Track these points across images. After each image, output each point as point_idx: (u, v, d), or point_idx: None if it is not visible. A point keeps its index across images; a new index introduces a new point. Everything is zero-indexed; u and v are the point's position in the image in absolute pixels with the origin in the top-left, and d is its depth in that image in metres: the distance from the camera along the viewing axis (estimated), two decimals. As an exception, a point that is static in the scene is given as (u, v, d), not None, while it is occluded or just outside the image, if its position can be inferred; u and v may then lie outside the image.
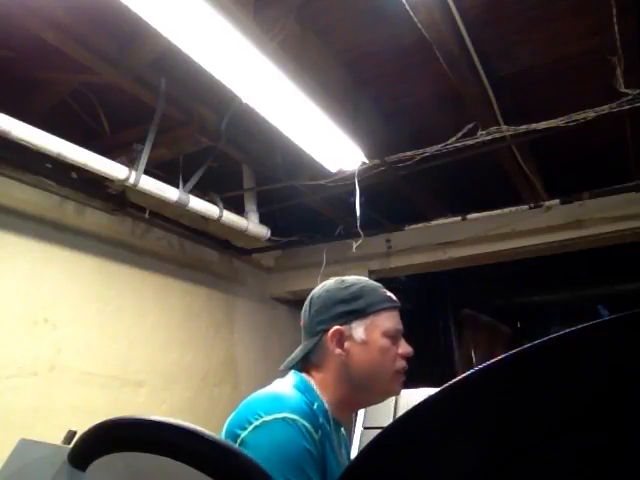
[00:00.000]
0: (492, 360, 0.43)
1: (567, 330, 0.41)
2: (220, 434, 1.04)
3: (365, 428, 2.11)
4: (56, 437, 0.82)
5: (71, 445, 0.67)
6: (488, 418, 0.44)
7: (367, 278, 1.24)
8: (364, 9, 2.05)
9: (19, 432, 0.84)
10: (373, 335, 1.13)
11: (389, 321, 1.16)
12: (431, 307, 5.16)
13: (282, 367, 1.20)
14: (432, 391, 0.45)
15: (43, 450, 0.73)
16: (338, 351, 1.13)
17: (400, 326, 1.18)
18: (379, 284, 1.22)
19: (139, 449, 0.59)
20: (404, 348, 1.17)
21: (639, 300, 4.71)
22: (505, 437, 0.43)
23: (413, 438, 0.46)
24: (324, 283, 1.23)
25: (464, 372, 0.44)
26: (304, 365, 1.18)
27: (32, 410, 2.25)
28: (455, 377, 0.44)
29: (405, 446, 0.46)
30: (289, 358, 1.20)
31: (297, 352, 1.19)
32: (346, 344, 1.13)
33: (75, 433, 0.75)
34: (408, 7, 1.76)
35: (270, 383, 1.16)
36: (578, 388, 0.42)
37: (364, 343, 1.13)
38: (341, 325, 1.14)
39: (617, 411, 0.41)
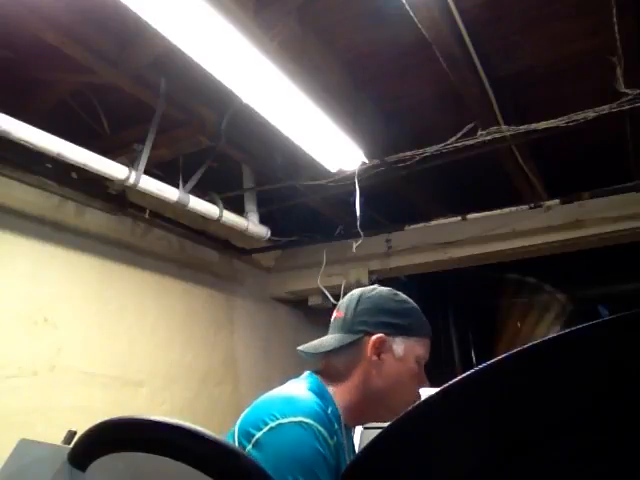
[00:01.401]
0: (492, 360, 0.43)
1: (567, 330, 0.41)
2: (228, 432, 1.04)
3: (365, 428, 2.11)
4: (56, 437, 0.82)
5: (71, 445, 0.67)
6: (488, 418, 0.44)
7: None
8: (364, 9, 2.05)
9: (19, 432, 0.84)
10: (409, 356, 1.13)
11: (423, 348, 1.16)
12: (431, 307, 5.15)
13: (304, 348, 1.17)
14: (432, 391, 0.45)
15: (43, 450, 0.73)
16: (374, 358, 1.12)
17: (428, 357, 1.17)
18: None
19: (139, 449, 0.59)
20: (423, 380, 1.16)
21: (639, 300, 4.71)
22: (505, 437, 0.43)
23: (413, 438, 0.46)
24: (375, 286, 1.22)
25: (464, 372, 0.44)
26: (322, 367, 1.16)
27: (32, 410, 2.25)
28: (455, 377, 0.44)
29: (405, 446, 0.46)
30: (315, 343, 1.17)
31: (328, 341, 1.15)
32: (383, 354, 1.12)
33: (75, 433, 0.75)
34: (408, 7, 1.76)
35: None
36: (578, 388, 0.42)
37: (400, 360, 1.12)
38: (386, 334, 1.13)
39: (617, 411, 0.41)
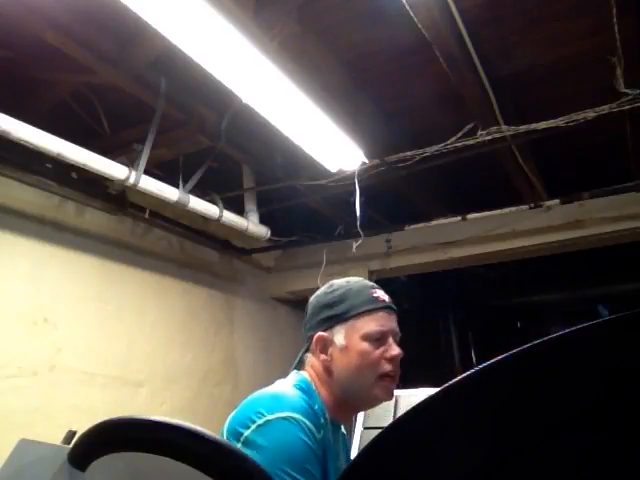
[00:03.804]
0: (492, 360, 0.43)
1: (567, 330, 0.41)
2: (221, 432, 1.04)
3: (365, 428, 2.11)
4: (56, 437, 0.82)
5: (71, 445, 0.67)
6: (488, 418, 0.44)
7: (360, 278, 1.23)
8: (364, 9, 2.04)
9: (19, 432, 0.84)
10: (352, 339, 1.12)
11: (370, 324, 1.12)
12: (431, 307, 5.15)
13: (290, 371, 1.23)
14: (432, 391, 0.45)
15: (43, 450, 0.73)
16: (322, 357, 1.14)
17: (386, 328, 1.13)
18: (371, 284, 1.20)
19: (139, 449, 0.59)
20: (390, 351, 1.12)
21: (639, 300, 4.71)
22: (505, 437, 0.43)
23: (413, 438, 0.46)
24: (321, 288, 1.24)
25: (464, 372, 0.44)
26: (307, 366, 1.19)
27: (32, 410, 2.25)
28: (455, 377, 0.44)
29: (405, 446, 0.46)
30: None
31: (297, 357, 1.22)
32: (330, 349, 1.14)
33: (75, 433, 0.75)
34: (408, 7, 1.76)
35: (271, 383, 1.16)
36: (578, 388, 0.42)
37: (344, 348, 1.12)
38: (324, 331, 1.15)
39: (617, 411, 0.41)
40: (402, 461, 0.45)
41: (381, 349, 1.12)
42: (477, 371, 0.43)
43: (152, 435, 0.57)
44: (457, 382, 0.43)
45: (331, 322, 1.15)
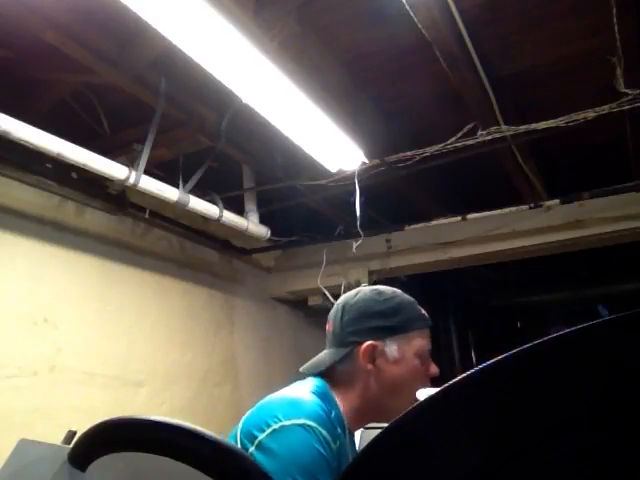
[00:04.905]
0: (492, 360, 0.43)
1: (567, 330, 0.41)
2: (230, 433, 1.03)
3: (365, 428, 2.11)
4: (56, 437, 0.82)
5: (71, 445, 0.67)
6: (488, 418, 0.44)
7: (400, 291, 1.18)
8: (364, 9, 2.05)
9: (19, 432, 0.84)
10: (406, 354, 1.10)
11: (422, 341, 1.12)
12: (431, 307, 5.15)
13: (304, 370, 1.16)
14: (432, 391, 0.45)
15: (43, 450, 0.73)
16: (369, 367, 1.10)
17: (429, 346, 1.14)
18: (413, 299, 1.17)
19: (139, 449, 0.59)
20: (433, 369, 1.14)
21: (639, 300, 4.71)
22: (505, 437, 0.43)
23: (413, 438, 0.46)
24: (358, 290, 1.18)
25: (464, 372, 0.44)
26: (327, 371, 1.13)
27: (32, 410, 2.25)
28: (455, 377, 0.44)
29: (405, 446, 0.46)
30: (313, 362, 1.16)
31: (323, 358, 1.14)
32: (377, 360, 1.10)
33: (75, 433, 0.75)
34: (408, 7, 1.76)
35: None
36: (578, 388, 0.42)
37: (396, 362, 1.09)
38: (375, 340, 1.10)
39: (617, 411, 0.41)
40: (402, 461, 0.45)
41: (424, 367, 1.13)
42: (477, 371, 0.43)
43: (152, 435, 0.57)
44: (457, 382, 0.43)
45: (384, 332, 1.10)
